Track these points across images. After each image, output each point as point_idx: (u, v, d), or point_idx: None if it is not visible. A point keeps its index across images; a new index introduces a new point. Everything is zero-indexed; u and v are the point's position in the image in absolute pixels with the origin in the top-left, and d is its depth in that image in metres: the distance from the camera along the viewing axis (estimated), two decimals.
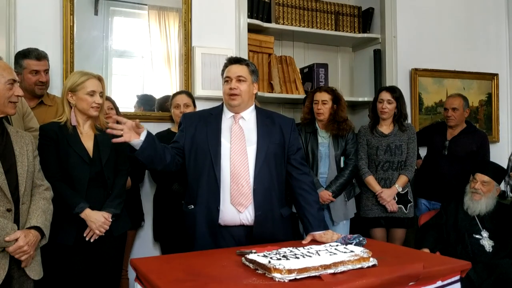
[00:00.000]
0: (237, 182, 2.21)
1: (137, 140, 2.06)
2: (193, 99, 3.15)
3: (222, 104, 2.41)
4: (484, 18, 4.58)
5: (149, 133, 2.10)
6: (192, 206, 2.29)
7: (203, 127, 2.31)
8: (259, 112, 2.40)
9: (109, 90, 3.15)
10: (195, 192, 2.28)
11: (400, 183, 3.21)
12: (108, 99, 2.93)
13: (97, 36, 3.24)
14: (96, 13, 3.24)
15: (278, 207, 2.31)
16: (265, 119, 2.36)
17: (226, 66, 2.37)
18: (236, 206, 2.21)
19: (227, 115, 2.35)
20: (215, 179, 2.22)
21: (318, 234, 2.23)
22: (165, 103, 3.31)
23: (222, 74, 2.38)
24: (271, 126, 2.35)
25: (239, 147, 2.25)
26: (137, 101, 3.39)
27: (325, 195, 3.00)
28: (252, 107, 2.39)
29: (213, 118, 2.35)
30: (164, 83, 3.42)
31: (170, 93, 3.27)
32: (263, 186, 2.24)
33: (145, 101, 3.40)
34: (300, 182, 2.35)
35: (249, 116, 2.35)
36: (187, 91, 3.23)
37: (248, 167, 2.23)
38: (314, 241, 2.20)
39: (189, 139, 2.32)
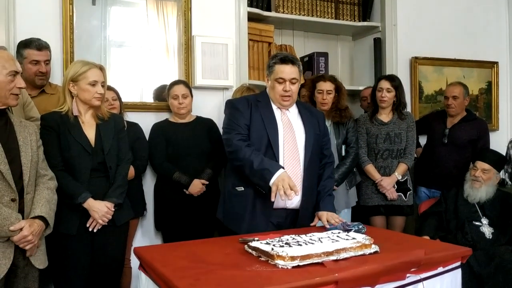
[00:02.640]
0: (290, 167, 2.29)
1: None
2: (190, 89, 3.14)
3: (265, 93, 2.47)
4: (484, 6, 4.56)
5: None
6: (242, 188, 2.33)
7: (256, 111, 2.37)
8: (299, 104, 2.50)
9: (108, 80, 3.13)
10: None
11: (400, 171, 3.22)
12: (112, 89, 2.92)
13: (96, 26, 3.22)
14: (93, 2, 3.22)
15: (316, 192, 2.44)
16: (305, 110, 2.48)
17: (275, 63, 2.36)
18: None
19: (273, 105, 2.42)
20: (274, 160, 2.27)
21: (322, 213, 2.34)
22: (162, 93, 3.30)
23: (269, 68, 2.39)
24: (311, 117, 2.46)
25: (290, 136, 2.35)
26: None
27: None
28: None
29: (263, 104, 2.40)
30: (163, 73, 3.40)
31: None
32: (310, 172, 2.37)
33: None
34: (326, 169, 2.51)
35: (292, 108, 2.45)
36: (183, 81, 3.22)
37: (299, 155, 2.34)
38: (317, 228, 2.23)
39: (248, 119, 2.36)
